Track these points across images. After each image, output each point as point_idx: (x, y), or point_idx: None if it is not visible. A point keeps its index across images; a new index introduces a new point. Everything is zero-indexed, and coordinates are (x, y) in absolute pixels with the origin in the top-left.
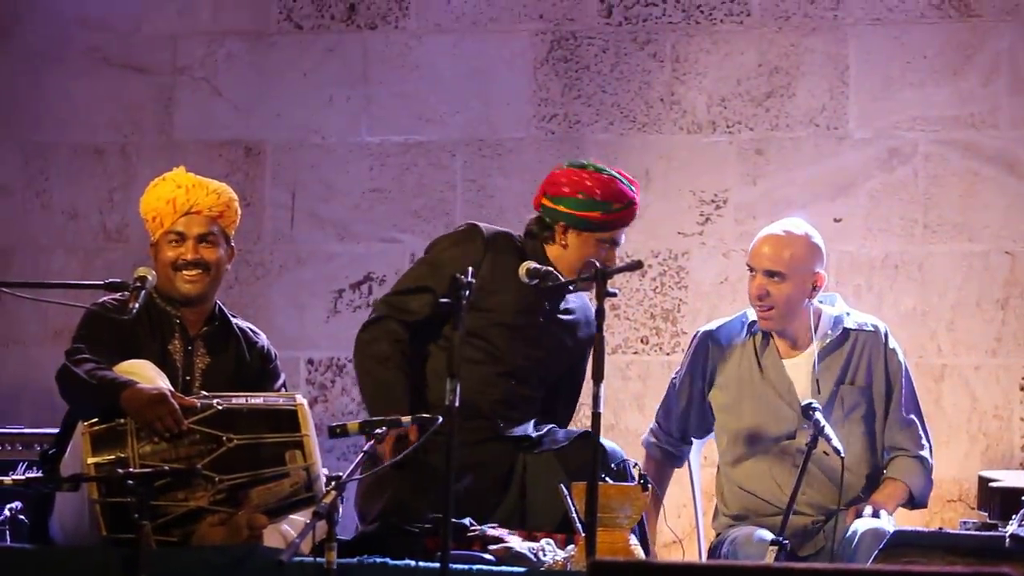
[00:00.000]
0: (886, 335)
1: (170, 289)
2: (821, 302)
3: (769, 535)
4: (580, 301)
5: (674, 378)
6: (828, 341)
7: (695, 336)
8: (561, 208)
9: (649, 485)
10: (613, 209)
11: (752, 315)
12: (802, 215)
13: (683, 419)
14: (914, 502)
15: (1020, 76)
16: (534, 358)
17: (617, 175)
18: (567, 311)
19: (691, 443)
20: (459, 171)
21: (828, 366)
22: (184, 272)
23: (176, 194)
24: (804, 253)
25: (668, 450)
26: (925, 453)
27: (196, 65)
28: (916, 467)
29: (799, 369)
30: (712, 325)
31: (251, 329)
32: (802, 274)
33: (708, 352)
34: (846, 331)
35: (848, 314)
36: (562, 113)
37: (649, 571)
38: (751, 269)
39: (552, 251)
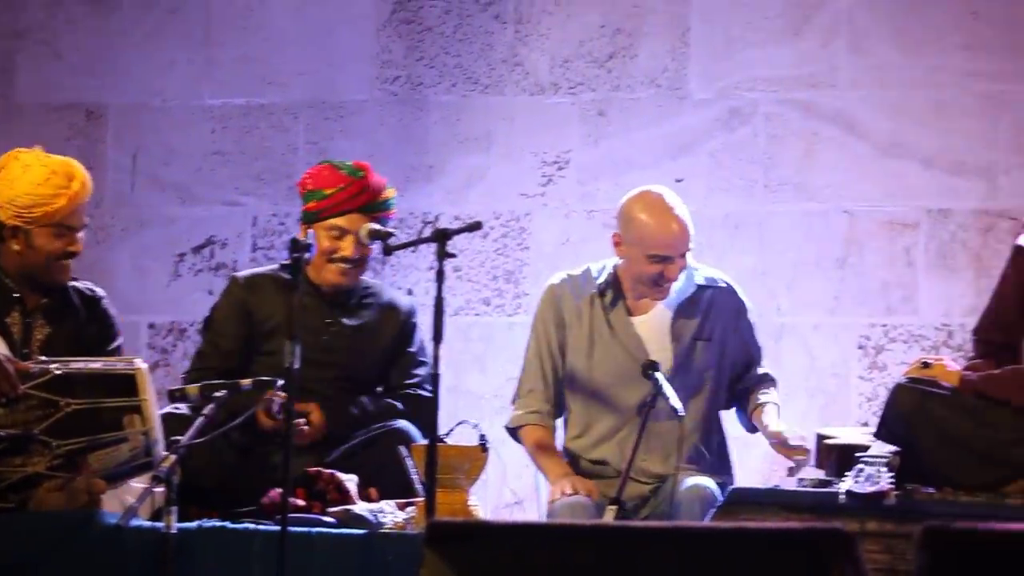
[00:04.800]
0: (737, 292)
1: (41, 275)
2: None
3: (587, 501)
4: (383, 300)
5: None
6: (683, 297)
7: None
8: (302, 210)
9: (488, 446)
10: (325, 195)
11: (597, 271)
12: (644, 176)
13: (556, 381)
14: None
15: (859, 36)
16: (331, 376)
17: (337, 163)
18: (361, 316)
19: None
20: (301, 133)
21: (684, 322)
22: (63, 262)
23: (76, 189)
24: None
25: (552, 412)
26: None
27: (37, 28)
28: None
29: (648, 326)
30: (556, 279)
31: (89, 289)
32: None
33: (560, 305)
34: (699, 287)
35: (696, 269)
36: (405, 75)
37: (486, 531)
38: (663, 259)
39: (313, 266)
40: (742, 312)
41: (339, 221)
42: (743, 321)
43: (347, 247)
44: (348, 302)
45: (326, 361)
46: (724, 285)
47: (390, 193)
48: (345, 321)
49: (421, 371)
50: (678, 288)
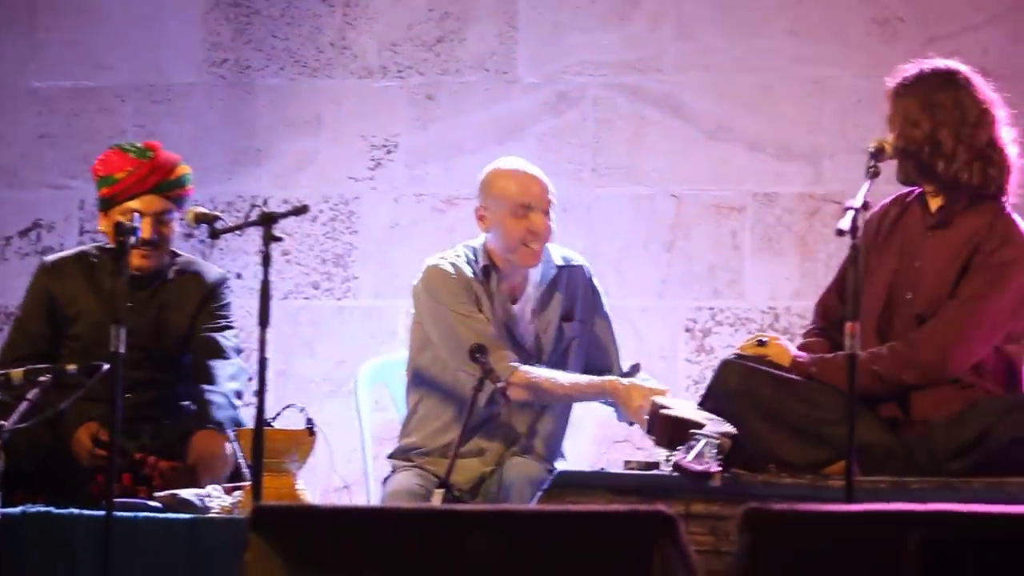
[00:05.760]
0: (590, 272)
1: None
2: None
3: (416, 484)
4: (189, 271)
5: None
6: (546, 281)
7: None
8: (97, 198)
9: (316, 430)
10: (116, 179)
11: (472, 256)
12: (473, 160)
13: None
14: None
15: (685, 21)
16: (136, 358)
17: (125, 146)
18: (167, 291)
19: None
20: (129, 117)
21: (551, 306)
22: None
23: None
24: None
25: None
26: None
27: None
28: None
29: (524, 310)
30: (441, 262)
31: None
32: None
33: (468, 283)
34: (558, 268)
35: (551, 250)
36: (233, 58)
37: (313, 515)
38: (528, 208)
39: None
40: (597, 292)
41: (134, 204)
42: (598, 298)
43: (144, 230)
44: (154, 282)
45: (132, 343)
46: (577, 264)
47: (184, 170)
48: (150, 301)
49: (227, 323)
50: (540, 272)
